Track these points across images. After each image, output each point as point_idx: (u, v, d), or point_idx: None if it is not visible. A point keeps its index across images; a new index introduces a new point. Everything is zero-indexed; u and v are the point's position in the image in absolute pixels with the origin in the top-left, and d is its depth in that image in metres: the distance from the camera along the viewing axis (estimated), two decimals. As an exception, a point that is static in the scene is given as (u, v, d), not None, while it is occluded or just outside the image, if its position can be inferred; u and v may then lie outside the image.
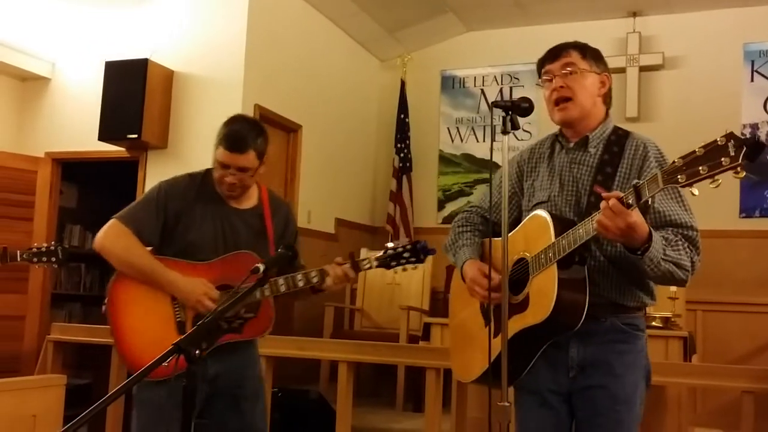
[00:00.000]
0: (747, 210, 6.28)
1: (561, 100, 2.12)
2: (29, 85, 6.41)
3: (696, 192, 1.66)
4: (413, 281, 6.04)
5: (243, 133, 2.52)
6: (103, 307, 2.52)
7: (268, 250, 2.60)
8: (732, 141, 1.58)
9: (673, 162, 1.69)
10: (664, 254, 1.91)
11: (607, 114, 2.19)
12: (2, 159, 5.96)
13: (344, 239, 6.93)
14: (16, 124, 6.41)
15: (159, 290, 2.48)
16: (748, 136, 6.11)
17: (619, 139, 2.13)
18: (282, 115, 6.18)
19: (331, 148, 6.95)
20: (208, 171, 2.63)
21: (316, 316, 5.99)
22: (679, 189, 2.02)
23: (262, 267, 2.00)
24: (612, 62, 6.70)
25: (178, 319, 2.48)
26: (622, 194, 1.80)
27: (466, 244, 2.27)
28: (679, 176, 1.66)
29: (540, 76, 2.20)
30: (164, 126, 5.72)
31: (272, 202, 2.69)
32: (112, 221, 2.51)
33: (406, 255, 2.53)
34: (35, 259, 3.03)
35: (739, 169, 1.58)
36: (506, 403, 1.80)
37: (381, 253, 2.55)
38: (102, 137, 5.68)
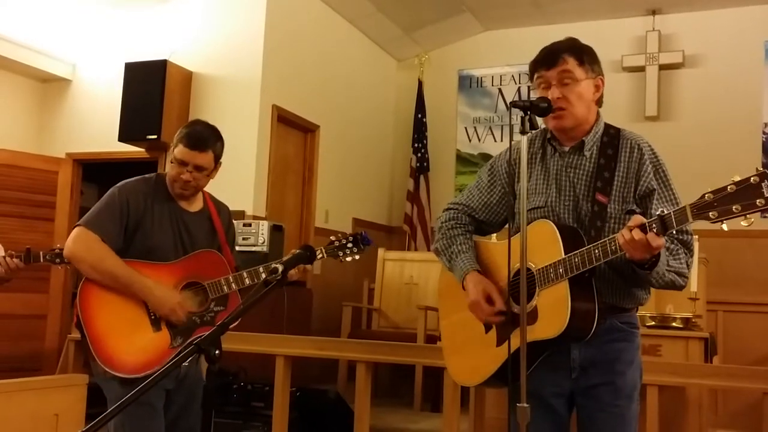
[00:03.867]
0: (769, 209, 6.21)
1: (557, 110, 2.08)
2: (50, 86, 6.49)
3: (726, 228, 1.68)
4: (431, 281, 6.03)
5: (205, 134, 2.61)
6: (75, 318, 2.55)
7: (221, 249, 2.71)
8: (766, 181, 1.61)
9: (703, 196, 1.69)
10: (668, 265, 1.93)
11: (598, 114, 2.17)
12: (24, 160, 6.04)
13: (362, 239, 6.92)
14: (37, 126, 6.49)
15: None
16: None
17: (611, 139, 2.12)
18: (300, 116, 6.21)
19: (349, 148, 6.97)
20: (158, 175, 2.70)
21: (334, 316, 6.01)
22: (675, 191, 2.05)
23: (281, 267, 1.99)
24: (631, 61, 6.82)
25: (152, 316, 2.54)
26: (645, 221, 1.79)
27: (462, 250, 2.23)
28: (710, 213, 1.67)
29: (532, 77, 2.16)
30: (183, 127, 5.78)
31: (216, 205, 2.79)
32: (78, 229, 2.54)
33: (349, 246, 2.75)
34: (57, 260, 3.05)
35: None
36: (525, 405, 1.81)
37: (328, 244, 2.75)
38: (122, 138, 5.75)
